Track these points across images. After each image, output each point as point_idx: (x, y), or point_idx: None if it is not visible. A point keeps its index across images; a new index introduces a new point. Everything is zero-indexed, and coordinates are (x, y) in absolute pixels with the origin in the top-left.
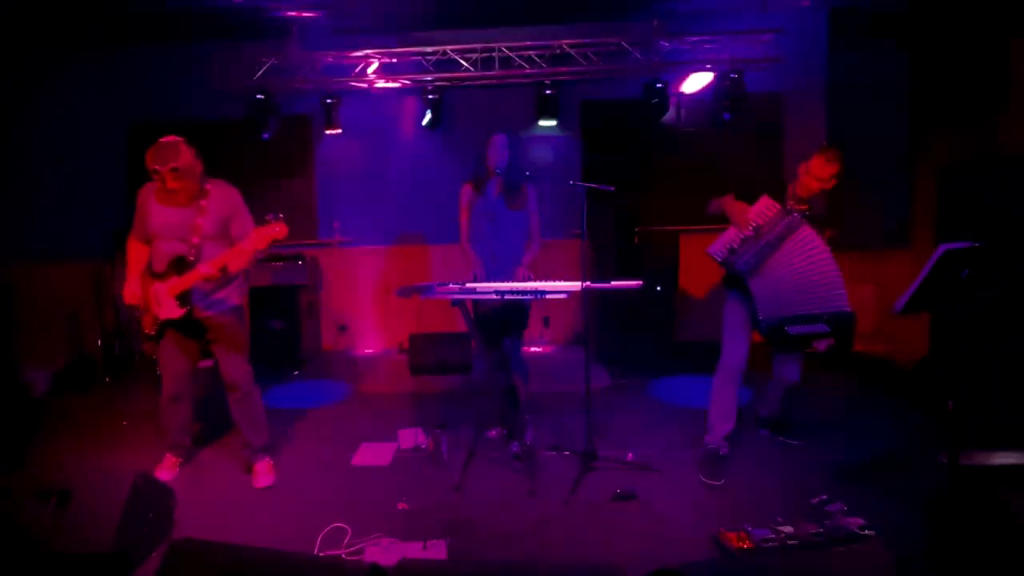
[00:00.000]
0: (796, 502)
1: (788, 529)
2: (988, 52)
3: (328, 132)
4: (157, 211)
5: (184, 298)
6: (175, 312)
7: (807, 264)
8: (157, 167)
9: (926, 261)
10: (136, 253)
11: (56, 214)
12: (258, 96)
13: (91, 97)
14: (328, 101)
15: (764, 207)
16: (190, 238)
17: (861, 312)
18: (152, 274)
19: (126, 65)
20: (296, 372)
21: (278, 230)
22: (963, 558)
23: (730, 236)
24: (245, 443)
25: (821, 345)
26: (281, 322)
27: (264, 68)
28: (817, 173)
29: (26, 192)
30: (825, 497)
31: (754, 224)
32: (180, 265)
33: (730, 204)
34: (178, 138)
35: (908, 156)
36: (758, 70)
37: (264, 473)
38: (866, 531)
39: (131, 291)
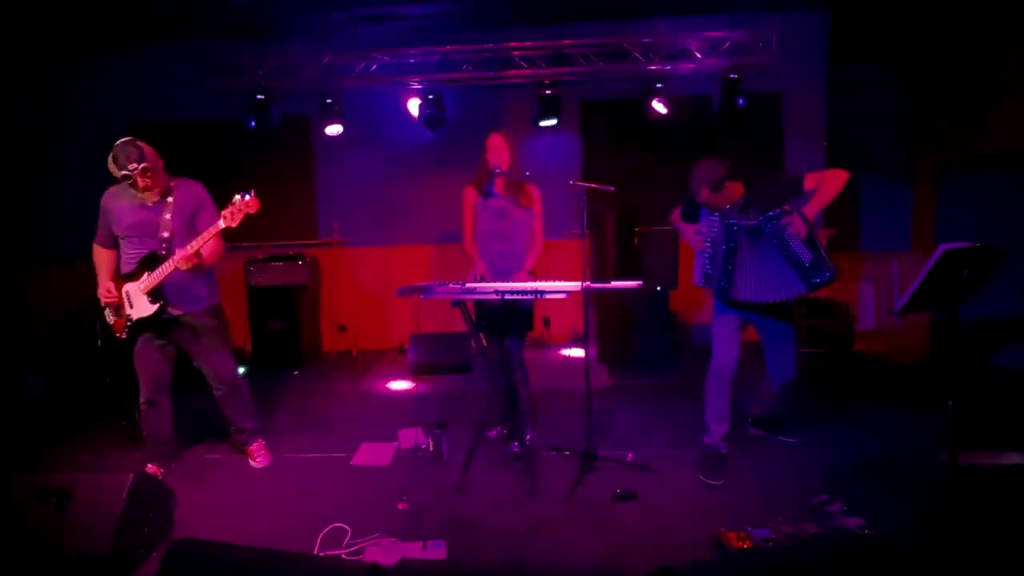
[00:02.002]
0: (796, 502)
1: (788, 529)
2: (988, 53)
3: (328, 132)
4: (125, 212)
5: (156, 293)
6: (148, 309)
7: (759, 255)
8: (126, 169)
9: (926, 261)
10: (101, 258)
11: (56, 214)
12: (258, 96)
13: (91, 97)
14: (328, 101)
15: (706, 225)
16: (159, 234)
17: (861, 312)
18: (122, 276)
19: (126, 65)
20: (296, 372)
21: (248, 204)
22: (963, 558)
23: (700, 261)
24: (237, 429)
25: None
26: (281, 322)
27: (264, 68)
28: (709, 181)
29: (26, 192)
30: (825, 497)
31: (709, 238)
32: (151, 262)
33: (679, 226)
34: (130, 137)
35: (908, 156)
36: (758, 71)
37: (261, 454)
38: (866, 531)
39: (106, 288)
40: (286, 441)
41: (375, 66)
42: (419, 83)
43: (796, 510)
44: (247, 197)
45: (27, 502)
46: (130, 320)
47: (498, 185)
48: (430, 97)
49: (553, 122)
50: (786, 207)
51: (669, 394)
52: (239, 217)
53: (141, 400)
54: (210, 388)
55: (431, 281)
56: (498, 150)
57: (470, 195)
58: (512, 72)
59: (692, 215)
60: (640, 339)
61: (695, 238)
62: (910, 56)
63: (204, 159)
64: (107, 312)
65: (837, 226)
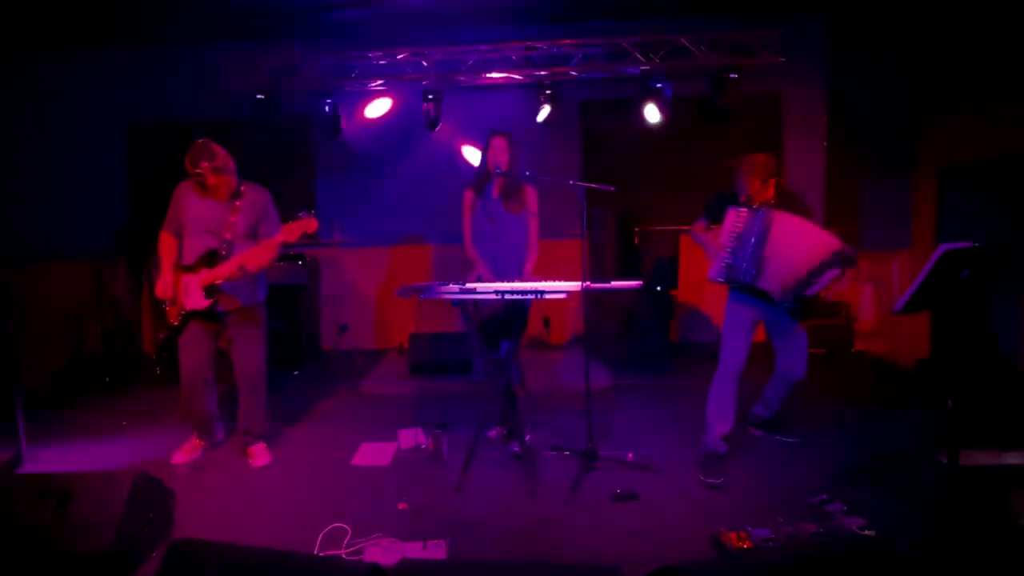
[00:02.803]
0: (796, 502)
1: (788, 529)
2: (989, 53)
3: (328, 132)
4: (195, 205)
5: (212, 290)
6: (202, 303)
7: (796, 240)
8: (199, 168)
9: (926, 261)
10: (167, 247)
11: (56, 214)
12: (258, 96)
13: (91, 97)
14: (328, 101)
15: (732, 219)
16: (223, 234)
17: (861, 311)
18: (182, 267)
19: (126, 65)
20: (296, 372)
21: (308, 224)
22: (963, 558)
23: (720, 256)
24: (245, 430)
25: (840, 285)
26: (281, 322)
27: (265, 68)
28: (745, 181)
29: (26, 192)
30: (825, 497)
31: (736, 233)
32: (211, 259)
33: (701, 237)
34: (205, 139)
35: (908, 156)
36: (758, 71)
37: (261, 454)
38: (866, 531)
39: (164, 285)
40: (286, 441)
41: (375, 65)
42: (419, 83)
43: (796, 510)
44: (308, 216)
45: (27, 502)
46: (183, 309)
47: (495, 187)
48: (430, 97)
49: (553, 122)
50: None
51: (669, 394)
52: (297, 233)
53: (186, 388)
54: (235, 382)
55: (431, 281)
56: (499, 151)
57: (468, 197)
58: (512, 72)
59: (719, 214)
60: (640, 339)
61: (715, 243)
62: (910, 56)
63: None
64: (164, 303)
65: (837, 226)
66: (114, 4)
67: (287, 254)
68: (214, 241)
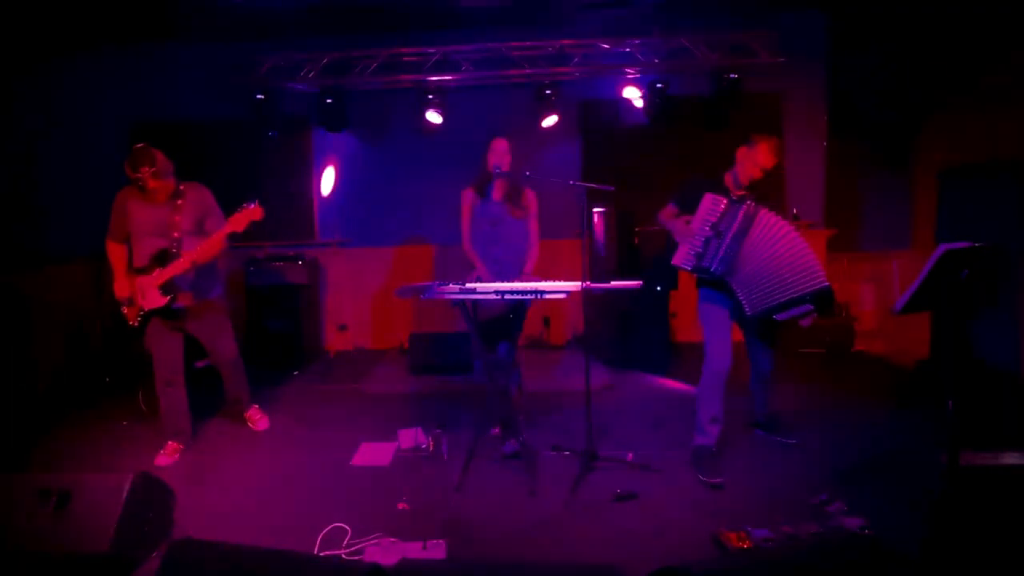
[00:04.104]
0: (796, 502)
1: (788, 529)
2: (989, 54)
3: (328, 132)
4: (137, 211)
5: (167, 287)
6: (159, 301)
7: (778, 248)
8: (138, 173)
9: (926, 261)
10: (116, 253)
11: (57, 214)
12: (258, 96)
13: (92, 97)
14: (328, 101)
15: (709, 206)
16: (170, 233)
17: (861, 311)
18: (134, 270)
19: (127, 65)
20: (296, 372)
21: (254, 212)
22: (963, 558)
23: (691, 243)
24: (235, 399)
25: (806, 322)
26: (281, 322)
27: (264, 68)
28: (763, 162)
29: (27, 192)
30: (825, 497)
31: (711, 223)
32: (163, 258)
33: (669, 224)
34: (145, 144)
35: (908, 156)
36: (758, 71)
37: (260, 417)
38: (866, 531)
39: (121, 286)
40: (286, 441)
41: (374, 65)
42: (419, 83)
43: (796, 510)
44: (252, 205)
45: (27, 502)
46: (142, 310)
47: (496, 189)
48: (430, 97)
49: (553, 122)
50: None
51: (669, 394)
52: (244, 222)
53: (158, 382)
54: (217, 368)
55: (431, 281)
56: (500, 153)
57: (468, 197)
58: (512, 72)
59: (693, 202)
60: (640, 339)
61: (686, 229)
62: (911, 56)
63: (205, 159)
64: (122, 304)
65: (837, 226)
66: (117, 3)
67: (287, 254)
68: (163, 241)
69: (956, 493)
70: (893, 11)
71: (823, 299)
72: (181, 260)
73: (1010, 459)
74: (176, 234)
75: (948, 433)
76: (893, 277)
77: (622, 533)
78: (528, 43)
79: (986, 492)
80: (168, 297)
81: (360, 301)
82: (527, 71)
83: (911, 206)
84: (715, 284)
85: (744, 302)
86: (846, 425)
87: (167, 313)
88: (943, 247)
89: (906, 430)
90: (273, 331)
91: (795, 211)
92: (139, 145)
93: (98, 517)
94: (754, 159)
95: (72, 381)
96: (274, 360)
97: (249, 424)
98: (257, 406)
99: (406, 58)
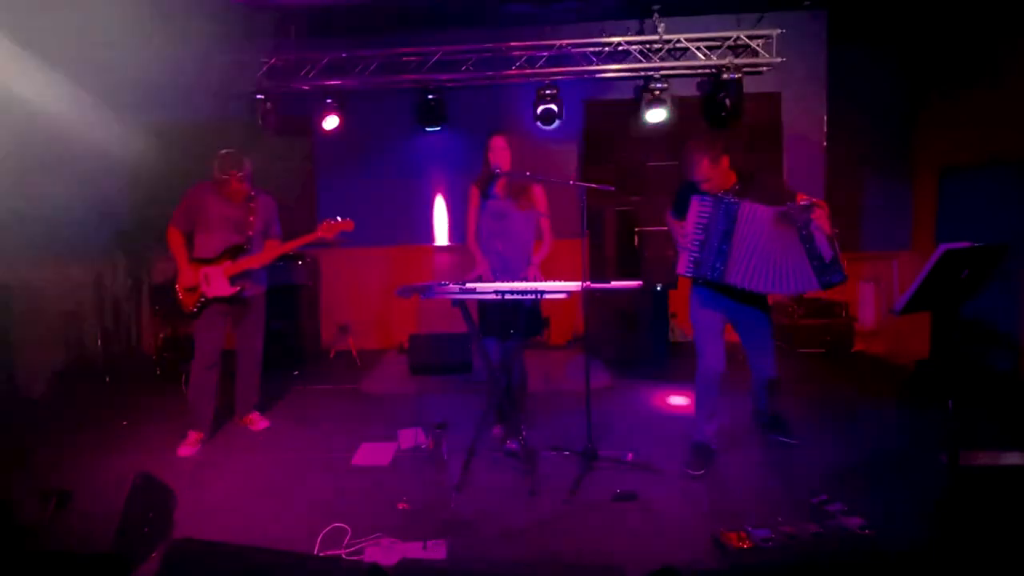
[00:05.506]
0: (796, 502)
1: (788, 529)
2: (990, 53)
3: (328, 132)
4: (216, 207)
5: (236, 279)
6: (227, 291)
7: (764, 240)
8: (227, 174)
9: (926, 261)
10: (178, 240)
11: (57, 214)
12: (258, 96)
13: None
14: (328, 101)
15: (697, 208)
16: (246, 231)
17: (861, 312)
18: (199, 260)
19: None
20: (296, 372)
21: (347, 224)
22: (963, 558)
23: (688, 250)
24: (242, 402)
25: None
26: (281, 322)
27: (264, 68)
28: (704, 175)
29: (27, 191)
30: (825, 497)
31: (702, 225)
32: (235, 252)
33: (672, 231)
34: (236, 149)
35: (908, 156)
36: (758, 71)
37: (259, 419)
38: (866, 531)
39: (190, 274)
40: (286, 441)
41: (374, 65)
42: (419, 83)
43: (796, 510)
44: (345, 219)
45: (27, 502)
46: (204, 297)
47: (499, 187)
48: (430, 97)
49: (553, 122)
50: (816, 200)
51: (669, 394)
52: (335, 231)
53: (201, 366)
54: (240, 362)
55: (431, 281)
56: (499, 151)
57: (475, 193)
58: (512, 72)
59: (683, 207)
60: (640, 339)
61: (684, 232)
62: (911, 56)
63: (205, 159)
64: (179, 288)
65: (837, 226)
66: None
67: (286, 255)
68: (238, 238)
69: (956, 493)
70: (894, 9)
71: (832, 267)
72: (264, 254)
73: (1010, 459)
74: (251, 232)
75: (948, 433)
76: (893, 277)
77: (622, 533)
78: (528, 43)
79: (986, 492)
80: (237, 288)
81: (360, 301)
82: (527, 71)
83: (911, 206)
84: (710, 283)
85: (740, 285)
86: (846, 425)
87: (230, 300)
88: (943, 247)
89: (906, 430)
90: (273, 331)
91: None
92: (229, 150)
93: (98, 517)
94: (688, 168)
95: (72, 381)
96: (274, 360)
97: (248, 424)
98: (257, 412)
99: (406, 58)
